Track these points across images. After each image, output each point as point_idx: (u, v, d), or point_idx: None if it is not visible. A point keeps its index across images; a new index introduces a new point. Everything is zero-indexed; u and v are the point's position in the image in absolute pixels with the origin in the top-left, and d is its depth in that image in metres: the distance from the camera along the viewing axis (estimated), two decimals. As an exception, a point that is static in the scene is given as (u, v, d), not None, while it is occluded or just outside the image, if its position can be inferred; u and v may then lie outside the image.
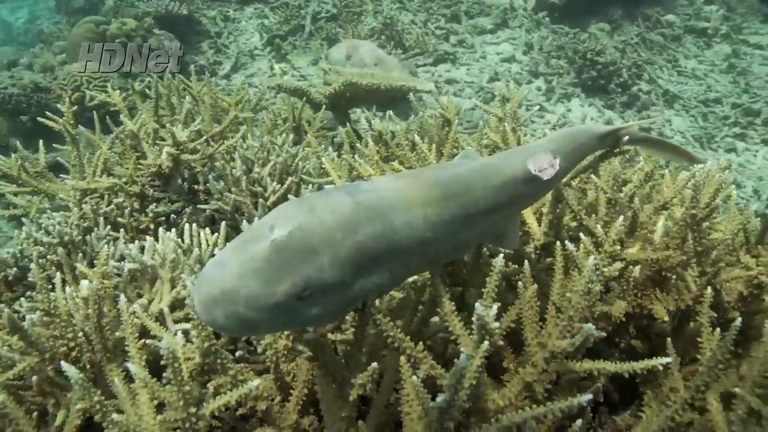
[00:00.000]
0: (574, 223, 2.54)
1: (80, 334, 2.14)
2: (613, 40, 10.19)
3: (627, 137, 2.71)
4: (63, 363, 1.63)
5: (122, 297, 1.95)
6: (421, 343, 1.65)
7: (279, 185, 3.61)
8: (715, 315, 2.22)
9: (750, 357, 2.02)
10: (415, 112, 3.77)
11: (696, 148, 8.59)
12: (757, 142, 8.78)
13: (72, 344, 2.07)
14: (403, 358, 1.54)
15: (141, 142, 3.86)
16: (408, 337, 1.59)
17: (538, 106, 8.60)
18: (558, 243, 2.03)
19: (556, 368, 1.78)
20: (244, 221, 2.42)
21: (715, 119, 9.14)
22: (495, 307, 1.43)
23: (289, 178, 3.64)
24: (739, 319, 1.90)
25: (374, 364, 1.49)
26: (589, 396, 1.40)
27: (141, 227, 3.69)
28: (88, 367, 2.10)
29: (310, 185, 3.22)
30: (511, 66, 9.48)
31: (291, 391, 1.99)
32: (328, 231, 1.41)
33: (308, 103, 5.89)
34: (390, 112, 4.00)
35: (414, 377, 1.38)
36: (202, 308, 1.33)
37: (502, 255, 1.73)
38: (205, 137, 3.79)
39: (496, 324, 1.42)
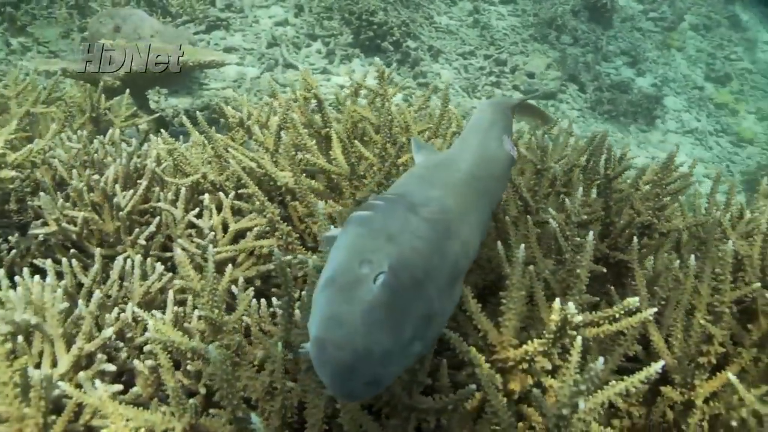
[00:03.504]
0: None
1: None
2: (373, -1, 10.55)
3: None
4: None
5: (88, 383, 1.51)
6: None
7: (132, 192, 3.08)
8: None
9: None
10: (272, 94, 3.48)
11: (465, 97, 9.48)
12: (509, 89, 10.01)
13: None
14: (488, 383, 1.47)
15: None
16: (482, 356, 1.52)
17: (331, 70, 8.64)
18: (528, 217, 2.10)
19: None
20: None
21: (474, 70, 10.16)
22: (571, 304, 1.43)
23: (143, 182, 3.13)
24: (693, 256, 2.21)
25: (472, 386, 1.40)
26: (662, 362, 1.50)
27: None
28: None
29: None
30: (286, 30, 9.27)
31: None
32: (426, 259, 1.26)
33: (94, 86, 5.05)
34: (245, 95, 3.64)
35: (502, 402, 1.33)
36: (340, 382, 1.10)
37: (523, 246, 1.74)
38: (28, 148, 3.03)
39: (580, 318, 1.44)
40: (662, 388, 2.21)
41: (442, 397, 1.51)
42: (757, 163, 10.81)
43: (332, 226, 1.97)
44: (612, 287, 2.35)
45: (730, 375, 1.85)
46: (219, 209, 2.97)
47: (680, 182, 2.62)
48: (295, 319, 1.78)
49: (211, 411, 1.62)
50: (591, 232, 1.81)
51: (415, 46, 9.87)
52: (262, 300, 2.32)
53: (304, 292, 1.94)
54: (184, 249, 2.68)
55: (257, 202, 2.52)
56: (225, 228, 2.92)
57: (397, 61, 9.37)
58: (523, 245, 1.74)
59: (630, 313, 1.64)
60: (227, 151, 3.19)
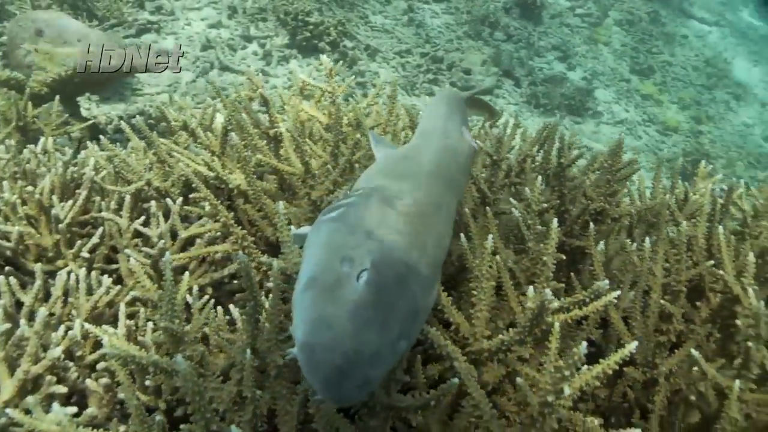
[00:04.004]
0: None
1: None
2: (308, -1, 10.43)
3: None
4: None
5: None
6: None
7: (71, 202, 2.92)
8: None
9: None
10: (216, 95, 3.36)
11: (404, 95, 9.52)
12: (447, 86, 10.12)
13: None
14: (467, 376, 1.46)
15: None
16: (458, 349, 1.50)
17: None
18: (488, 208, 2.11)
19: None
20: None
21: (411, 68, 10.22)
22: (548, 290, 1.44)
23: (82, 192, 2.96)
24: (648, 239, 2.27)
25: (455, 380, 1.37)
26: (635, 343, 1.52)
27: None
28: None
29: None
30: (220, 32, 9.04)
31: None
32: (407, 254, 1.23)
33: (19, 93, 4.77)
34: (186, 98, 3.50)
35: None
36: (331, 386, 1.05)
37: (491, 236, 1.73)
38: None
39: (556, 304, 1.44)
40: (625, 369, 2.26)
41: (421, 393, 1.48)
42: (683, 150, 11.35)
43: (292, 227, 1.90)
44: (572, 274, 2.39)
45: (693, 351, 1.90)
46: (165, 216, 2.85)
47: (628, 168, 2.70)
48: (261, 324, 1.72)
49: (182, 427, 1.53)
50: (555, 219, 1.83)
51: (352, 46, 9.84)
52: (218, 308, 2.23)
53: (263, 297, 1.87)
54: (132, 259, 2.55)
55: (209, 207, 2.42)
56: (173, 236, 2.80)
57: (335, 61, 9.30)
58: (491, 235, 1.74)
59: (598, 296, 1.66)
60: (171, 156, 3.06)
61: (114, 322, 2.49)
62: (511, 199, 2.27)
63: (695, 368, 2.17)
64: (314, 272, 1.19)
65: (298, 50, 9.08)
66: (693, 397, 2.21)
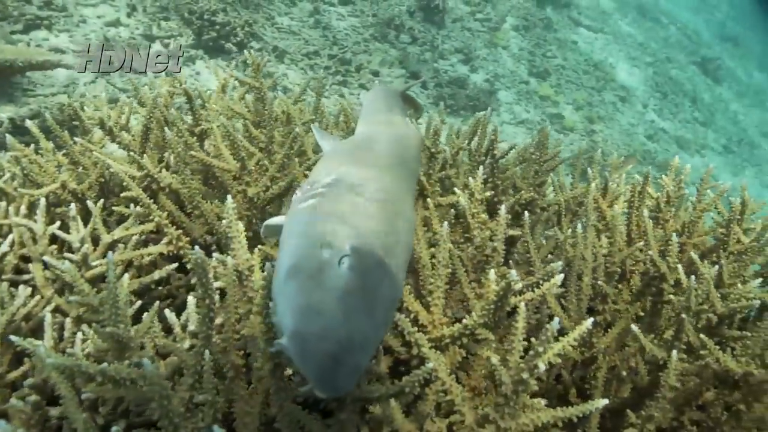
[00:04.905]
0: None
1: None
2: (211, -2, 10.12)
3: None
4: None
5: None
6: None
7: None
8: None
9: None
10: (134, 91, 3.18)
11: (314, 97, 9.45)
12: (356, 87, 10.17)
13: None
14: (438, 361, 1.46)
15: None
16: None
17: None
18: (429, 200, 2.13)
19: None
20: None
21: (320, 70, 10.17)
22: (514, 271, 1.48)
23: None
24: (579, 224, 2.37)
25: (429, 365, 1.37)
26: (591, 320, 1.59)
27: None
28: None
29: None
30: (119, 30, 8.57)
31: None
32: (382, 239, 1.23)
33: None
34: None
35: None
36: (327, 374, 1.01)
37: (446, 223, 1.75)
38: None
39: (520, 285, 1.48)
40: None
41: (393, 382, 1.47)
42: (579, 148, 12.04)
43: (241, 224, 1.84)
44: (510, 261, 2.46)
45: (634, 327, 2.02)
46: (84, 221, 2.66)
47: (554, 160, 2.83)
48: (216, 324, 1.64)
49: (144, 435, 1.43)
50: (503, 206, 1.89)
51: (259, 47, 9.66)
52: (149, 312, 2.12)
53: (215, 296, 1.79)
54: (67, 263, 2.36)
55: (139, 207, 2.28)
56: (95, 241, 2.62)
57: (242, 62, 9.09)
58: (446, 223, 1.76)
59: (551, 277, 1.73)
60: (86, 156, 2.87)
61: (33, 335, 2.30)
62: (456, 189, 2.32)
63: (627, 345, 2.31)
64: (295, 260, 1.15)
65: (204, 51, 8.78)
66: (625, 373, 2.35)
